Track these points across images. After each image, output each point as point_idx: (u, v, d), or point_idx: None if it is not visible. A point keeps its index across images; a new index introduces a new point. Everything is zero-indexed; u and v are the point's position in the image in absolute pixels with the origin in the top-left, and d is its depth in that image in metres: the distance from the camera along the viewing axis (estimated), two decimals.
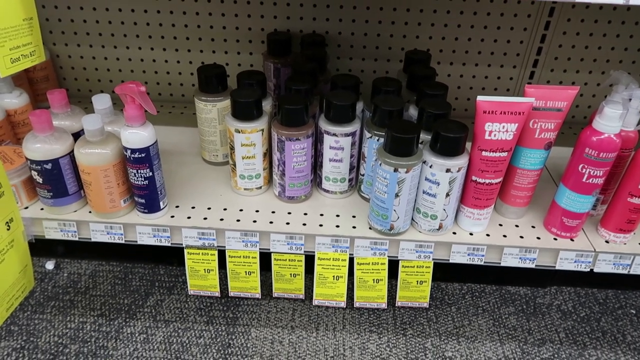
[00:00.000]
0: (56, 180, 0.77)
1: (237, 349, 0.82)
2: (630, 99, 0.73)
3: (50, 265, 0.95)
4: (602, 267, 0.81)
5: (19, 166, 0.79)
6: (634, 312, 0.93)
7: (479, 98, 0.70)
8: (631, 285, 0.98)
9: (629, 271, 0.81)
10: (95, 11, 1.07)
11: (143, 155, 0.73)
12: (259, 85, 0.85)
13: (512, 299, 0.94)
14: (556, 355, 0.84)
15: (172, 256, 0.96)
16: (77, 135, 0.80)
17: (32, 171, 0.76)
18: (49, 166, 0.75)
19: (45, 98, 1.07)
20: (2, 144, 0.87)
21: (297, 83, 0.84)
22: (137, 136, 0.72)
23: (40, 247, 0.83)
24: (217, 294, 0.88)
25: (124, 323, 0.85)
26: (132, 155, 0.73)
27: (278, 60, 0.99)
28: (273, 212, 0.84)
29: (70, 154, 0.76)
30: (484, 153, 0.73)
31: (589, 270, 0.81)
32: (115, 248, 0.86)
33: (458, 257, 0.81)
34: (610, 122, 0.69)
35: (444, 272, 0.93)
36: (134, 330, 0.84)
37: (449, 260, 0.81)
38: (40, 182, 0.77)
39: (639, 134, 0.76)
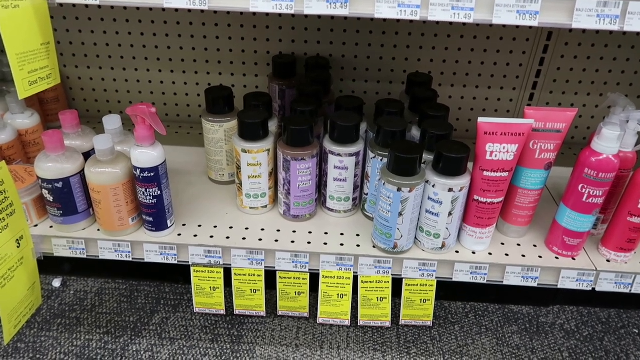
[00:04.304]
0: (66, 199, 0.78)
1: None
2: (627, 121, 0.75)
3: (57, 282, 0.96)
4: (603, 286, 0.81)
5: (30, 185, 0.81)
6: (637, 331, 0.93)
7: (480, 119, 0.72)
8: (634, 305, 0.99)
9: (630, 290, 0.81)
10: (106, 34, 1.10)
11: (152, 174, 0.75)
12: (266, 107, 0.87)
13: (515, 318, 0.94)
14: None
15: (178, 274, 0.97)
16: (87, 155, 0.82)
17: (43, 190, 0.78)
18: (59, 185, 0.76)
19: (55, 118, 1.10)
20: (14, 163, 0.88)
21: (302, 105, 0.86)
22: (147, 156, 0.74)
23: (47, 265, 0.84)
24: (223, 312, 0.88)
25: (129, 341, 0.85)
26: (141, 175, 0.74)
27: (283, 82, 1.02)
28: (278, 230, 0.85)
29: (81, 173, 0.78)
30: (485, 173, 0.74)
31: (590, 289, 0.82)
32: (121, 266, 0.87)
33: (461, 275, 0.81)
34: (609, 143, 0.71)
35: (447, 290, 0.94)
36: (140, 347, 0.85)
37: (452, 278, 0.82)
38: (51, 200, 0.78)
39: (637, 155, 0.77)
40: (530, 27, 1.04)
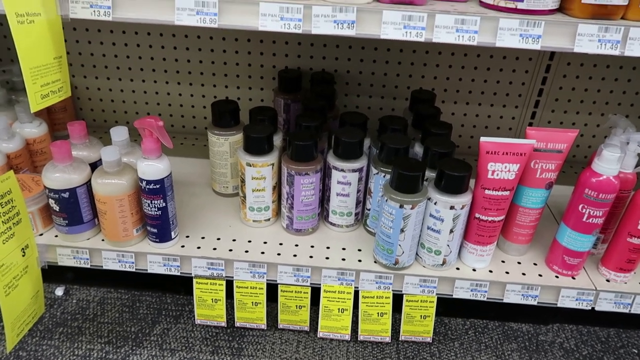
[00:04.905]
0: (72, 209, 0.79)
1: None
2: (627, 143, 0.76)
3: (59, 291, 0.97)
4: (603, 306, 0.82)
5: (36, 194, 0.82)
6: (636, 351, 0.93)
7: (482, 139, 0.73)
8: (633, 325, 0.99)
9: (629, 310, 0.82)
10: (115, 46, 1.12)
11: (158, 186, 0.76)
12: (271, 121, 0.88)
13: (515, 336, 0.95)
14: None
15: (179, 285, 0.97)
16: (93, 165, 0.83)
17: (50, 199, 0.79)
18: (66, 195, 0.77)
19: (62, 127, 1.11)
20: (21, 171, 0.89)
21: (307, 120, 0.87)
22: (153, 168, 0.75)
23: (50, 273, 0.85)
24: (224, 324, 0.89)
25: (130, 351, 0.86)
26: (147, 187, 0.75)
27: (288, 96, 1.03)
28: (281, 244, 0.86)
29: (87, 184, 0.79)
30: (486, 191, 0.75)
31: (590, 308, 0.82)
32: (123, 276, 0.87)
33: (461, 292, 0.82)
34: (609, 164, 0.72)
35: (446, 307, 0.94)
36: (140, 358, 0.85)
37: (452, 295, 0.82)
38: (57, 210, 0.79)
39: (637, 176, 0.78)
40: (535, 51, 1.06)
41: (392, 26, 0.63)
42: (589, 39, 0.62)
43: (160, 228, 0.80)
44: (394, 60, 1.10)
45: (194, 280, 0.85)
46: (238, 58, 1.12)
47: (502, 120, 1.16)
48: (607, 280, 0.82)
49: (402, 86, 1.13)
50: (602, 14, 0.63)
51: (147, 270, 0.83)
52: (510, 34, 0.62)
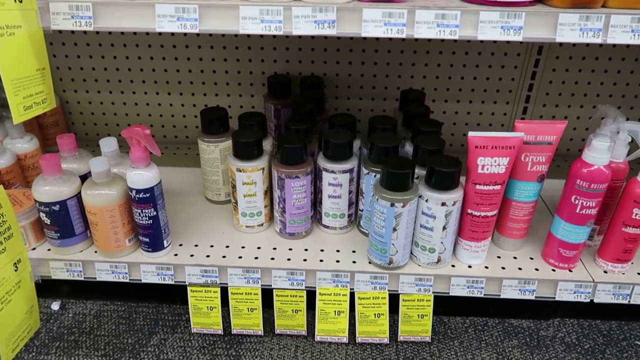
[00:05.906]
0: (63, 221, 0.79)
1: None
2: (617, 132, 0.76)
3: (55, 305, 0.96)
4: (601, 298, 0.81)
5: (27, 208, 0.82)
6: (639, 343, 0.92)
7: (470, 134, 0.72)
8: (635, 317, 0.97)
9: (629, 301, 0.81)
10: (104, 59, 1.12)
11: (147, 195, 0.75)
12: (259, 126, 0.88)
13: (515, 332, 0.94)
14: None
15: (176, 294, 0.97)
16: (84, 177, 0.83)
17: (41, 213, 0.79)
18: (56, 207, 0.77)
19: (54, 142, 1.11)
20: (13, 187, 0.89)
21: (296, 123, 0.87)
22: (142, 177, 0.74)
23: (46, 288, 0.85)
24: (220, 332, 0.88)
25: None
26: (137, 196, 0.75)
27: (278, 101, 1.03)
28: (274, 248, 0.85)
29: (78, 196, 0.79)
30: (477, 186, 0.75)
31: (588, 300, 0.81)
32: (119, 287, 0.87)
33: (458, 289, 0.81)
34: (599, 154, 0.71)
35: (445, 305, 0.93)
36: None
37: (448, 293, 0.82)
38: (48, 223, 0.79)
39: (629, 165, 0.78)
40: (521, 42, 1.06)
41: (373, 24, 0.63)
42: (570, 28, 0.62)
43: (152, 237, 0.80)
44: (382, 61, 1.10)
45: (188, 289, 0.84)
46: (227, 66, 1.12)
47: (493, 116, 1.16)
48: (605, 272, 0.81)
49: (392, 87, 1.13)
50: (582, 2, 0.63)
51: (140, 280, 0.83)
52: (491, 27, 0.62)
